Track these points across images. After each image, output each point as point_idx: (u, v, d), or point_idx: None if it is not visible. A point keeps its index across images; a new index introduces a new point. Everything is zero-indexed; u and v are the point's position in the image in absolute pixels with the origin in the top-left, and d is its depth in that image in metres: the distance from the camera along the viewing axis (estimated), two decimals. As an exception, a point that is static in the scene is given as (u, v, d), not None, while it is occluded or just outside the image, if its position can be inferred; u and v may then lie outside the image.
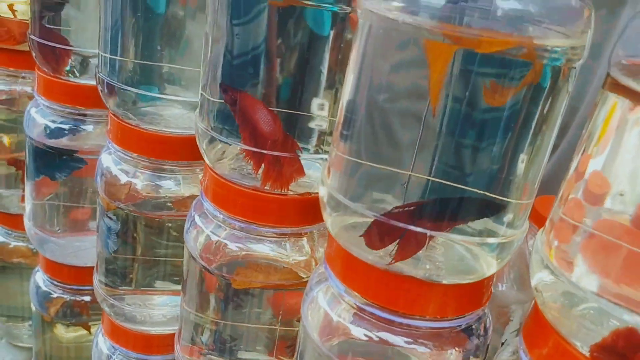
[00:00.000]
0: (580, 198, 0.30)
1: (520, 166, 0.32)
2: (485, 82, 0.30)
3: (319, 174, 0.43)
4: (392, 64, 0.32)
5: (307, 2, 0.37)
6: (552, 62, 0.30)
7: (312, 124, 0.43)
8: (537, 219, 0.47)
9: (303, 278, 0.47)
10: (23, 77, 0.74)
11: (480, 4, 0.28)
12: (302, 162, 0.43)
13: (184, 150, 0.52)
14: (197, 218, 0.49)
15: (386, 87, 0.33)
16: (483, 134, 0.31)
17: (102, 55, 0.53)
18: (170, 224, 0.58)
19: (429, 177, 0.32)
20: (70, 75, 0.62)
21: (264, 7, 0.38)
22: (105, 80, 0.52)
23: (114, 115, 0.54)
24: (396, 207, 0.33)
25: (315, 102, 0.42)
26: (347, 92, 0.35)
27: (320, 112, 0.42)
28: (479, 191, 0.32)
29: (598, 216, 0.29)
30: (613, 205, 0.28)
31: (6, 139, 0.79)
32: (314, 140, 0.43)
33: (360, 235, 0.34)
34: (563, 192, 0.31)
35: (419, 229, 0.32)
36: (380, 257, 0.34)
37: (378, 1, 0.31)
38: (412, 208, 0.33)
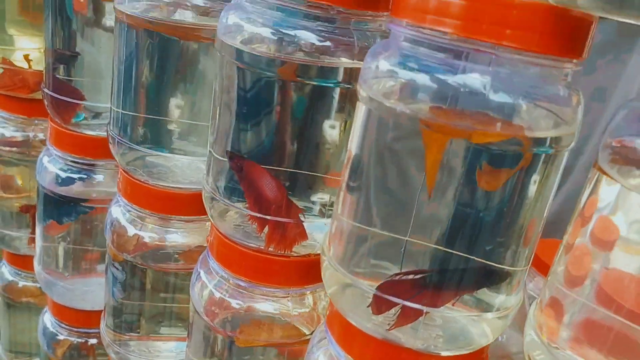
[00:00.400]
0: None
1: (515, 237, 0.34)
2: (479, 166, 0.31)
3: (321, 235, 0.44)
4: (390, 145, 0.33)
5: (311, 80, 0.38)
6: (543, 150, 0.31)
7: (315, 189, 0.44)
8: (538, 263, 0.48)
9: (306, 335, 0.48)
10: (36, 124, 0.76)
11: (473, 97, 0.30)
12: (306, 224, 0.44)
13: (191, 206, 0.54)
14: (202, 273, 0.51)
15: (385, 166, 0.34)
16: (477, 212, 0.32)
17: (113, 110, 0.55)
18: (176, 274, 0.59)
19: (426, 246, 0.33)
20: (81, 127, 0.64)
21: (271, 81, 0.39)
22: (115, 139, 0.54)
23: (123, 170, 0.55)
24: (392, 280, 0.34)
25: (319, 168, 0.43)
26: (347, 167, 0.36)
27: (323, 176, 0.44)
28: (479, 260, 0.33)
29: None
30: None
31: (19, 181, 0.81)
32: (317, 206, 0.44)
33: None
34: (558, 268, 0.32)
35: (415, 305, 0.33)
36: (378, 324, 0.35)
37: (377, 88, 0.33)
38: (408, 281, 0.34)
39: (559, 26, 0.28)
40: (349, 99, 0.40)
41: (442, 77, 0.30)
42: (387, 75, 0.33)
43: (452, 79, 0.30)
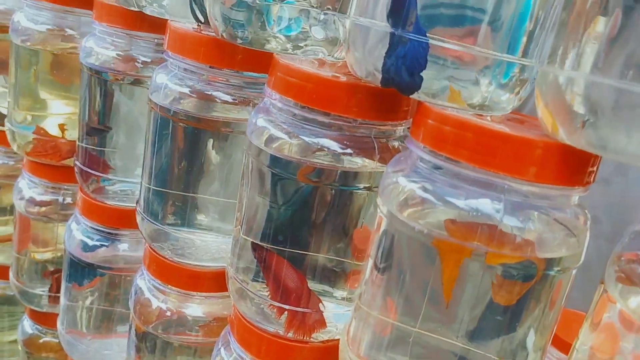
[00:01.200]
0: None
1: (529, 338, 0.35)
2: (493, 281, 0.33)
3: (341, 322, 0.46)
4: (407, 256, 0.35)
5: (333, 184, 0.41)
6: (554, 269, 0.33)
7: (336, 280, 0.46)
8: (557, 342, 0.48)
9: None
10: (66, 189, 0.79)
11: (487, 221, 0.32)
12: (325, 312, 0.46)
13: (213, 283, 0.56)
14: (222, 350, 0.52)
15: (401, 272, 0.36)
16: (489, 319, 0.34)
17: (143, 187, 0.58)
18: (196, 346, 0.61)
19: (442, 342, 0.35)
20: (109, 198, 0.67)
21: (293, 182, 0.42)
22: (144, 218, 0.56)
23: (149, 245, 0.58)
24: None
25: (341, 262, 0.45)
26: (368, 266, 0.38)
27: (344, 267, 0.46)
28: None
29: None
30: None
31: (48, 236, 0.84)
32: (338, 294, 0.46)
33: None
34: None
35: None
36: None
37: (395, 203, 0.35)
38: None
39: (567, 160, 0.30)
40: (368, 201, 0.42)
41: (456, 201, 0.32)
42: (405, 191, 0.35)
43: (466, 203, 0.32)
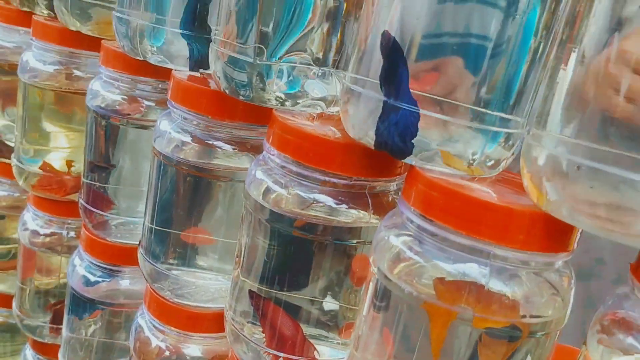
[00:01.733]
0: None
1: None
2: (479, 341, 0.34)
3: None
4: (397, 315, 0.36)
5: (328, 239, 0.42)
6: (539, 332, 0.34)
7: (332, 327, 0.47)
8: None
9: None
10: (70, 224, 0.80)
11: (474, 286, 0.33)
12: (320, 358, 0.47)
13: (213, 324, 0.57)
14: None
15: (391, 329, 0.37)
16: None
17: (145, 227, 0.59)
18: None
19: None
20: (112, 235, 0.68)
21: (290, 236, 0.43)
22: (145, 258, 0.57)
23: (150, 286, 0.59)
24: None
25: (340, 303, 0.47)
26: (360, 319, 0.39)
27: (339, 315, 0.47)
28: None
29: None
30: None
31: (53, 265, 0.85)
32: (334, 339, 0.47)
33: None
34: None
35: None
36: None
37: (386, 261, 0.36)
38: None
39: (552, 229, 0.32)
40: (363, 253, 0.43)
41: (444, 264, 0.33)
42: (394, 250, 0.36)
43: (454, 267, 0.33)
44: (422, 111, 0.34)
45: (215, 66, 0.46)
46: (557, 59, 0.35)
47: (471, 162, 0.35)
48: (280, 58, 0.44)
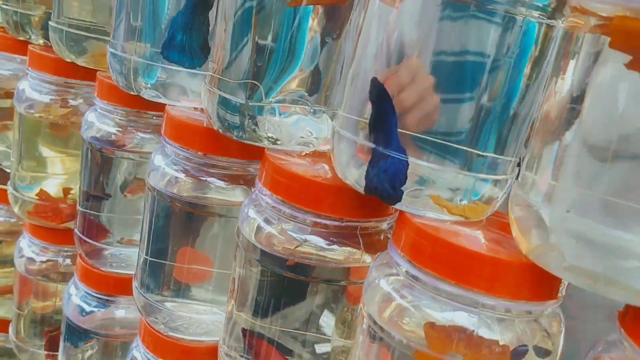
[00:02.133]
0: None
1: None
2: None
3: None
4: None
5: (320, 279, 0.42)
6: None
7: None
8: None
9: None
10: (66, 251, 0.80)
11: (463, 334, 0.33)
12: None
13: (207, 358, 0.57)
14: None
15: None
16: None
17: (141, 257, 0.59)
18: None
19: None
20: (107, 265, 0.68)
21: (281, 276, 0.43)
22: (139, 292, 0.58)
23: (144, 319, 0.59)
24: None
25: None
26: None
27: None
28: None
29: None
30: None
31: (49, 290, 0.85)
32: None
33: None
34: None
35: None
36: None
37: (376, 304, 0.36)
38: None
39: (540, 279, 0.32)
40: (356, 294, 0.43)
41: (432, 312, 0.34)
42: (384, 295, 0.36)
43: (442, 315, 0.33)
44: (411, 159, 0.34)
45: (209, 108, 0.46)
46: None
47: (461, 208, 0.36)
48: (272, 98, 0.44)
